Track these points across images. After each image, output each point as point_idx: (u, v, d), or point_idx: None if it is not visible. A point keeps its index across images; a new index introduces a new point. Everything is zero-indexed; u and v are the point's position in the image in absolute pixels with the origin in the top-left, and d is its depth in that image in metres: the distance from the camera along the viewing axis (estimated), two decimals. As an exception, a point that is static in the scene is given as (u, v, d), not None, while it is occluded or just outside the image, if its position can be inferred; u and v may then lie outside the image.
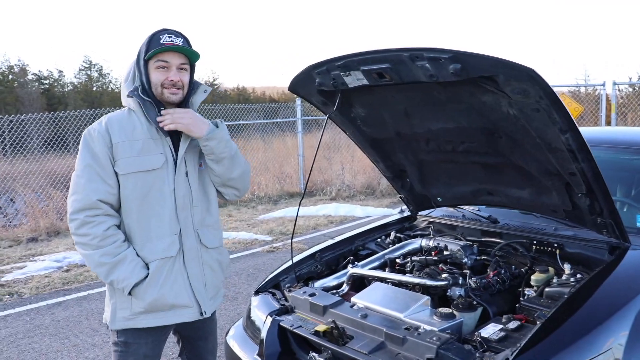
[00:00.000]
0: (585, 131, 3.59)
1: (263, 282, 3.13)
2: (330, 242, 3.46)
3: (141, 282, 2.21)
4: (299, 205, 3.08)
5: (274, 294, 2.97)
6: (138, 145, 2.22)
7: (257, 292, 3.07)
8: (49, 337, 4.67)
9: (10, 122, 9.89)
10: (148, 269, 2.23)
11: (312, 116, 13.96)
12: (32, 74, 32.74)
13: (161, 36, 2.21)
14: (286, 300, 2.86)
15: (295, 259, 3.21)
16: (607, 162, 3.38)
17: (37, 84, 32.61)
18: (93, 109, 10.95)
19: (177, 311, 2.30)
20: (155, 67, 2.23)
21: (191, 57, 2.29)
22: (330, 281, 3.09)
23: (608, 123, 10.80)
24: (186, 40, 2.29)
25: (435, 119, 2.79)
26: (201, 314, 2.36)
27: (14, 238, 8.38)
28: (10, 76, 31.17)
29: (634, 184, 3.52)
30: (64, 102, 30.58)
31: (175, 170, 2.28)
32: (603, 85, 11.15)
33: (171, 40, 2.21)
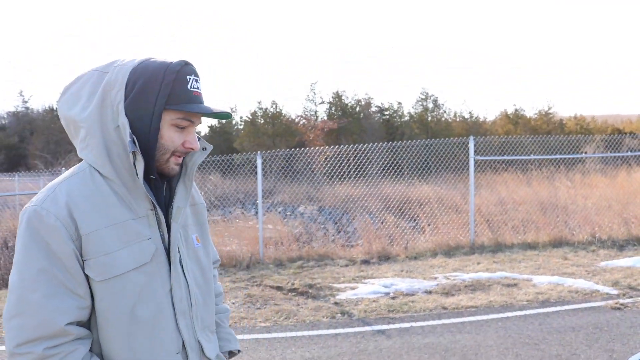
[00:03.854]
0: None
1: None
2: None
3: None
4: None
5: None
6: (121, 232, 1.44)
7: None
8: (372, 366, 4.69)
9: (355, 149, 10.88)
10: None
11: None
12: (375, 106, 35.84)
13: (188, 77, 1.47)
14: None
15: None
16: None
17: (379, 115, 35.58)
18: (428, 139, 11.31)
19: None
20: (173, 123, 1.47)
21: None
22: None
23: None
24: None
25: None
26: None
27: (350, 258, 8.95)
28: (357, 108, 34.62)
29: None
30: (401, 131, 32.73)
31: (170, 260, 1.52)
32: None
33: (198, 89, 1.49)
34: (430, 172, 12.01)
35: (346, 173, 11.33)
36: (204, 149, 1.60)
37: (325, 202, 13.63)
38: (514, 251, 8.98)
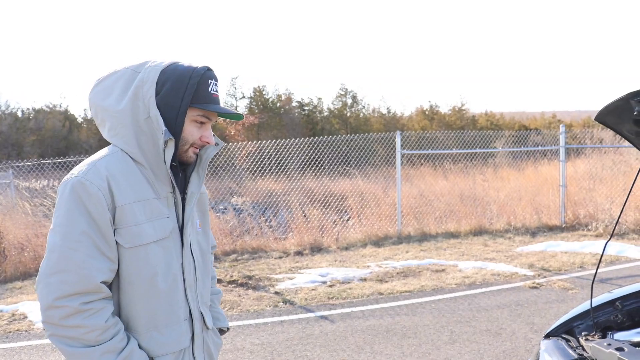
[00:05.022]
0: None
1: (554, 326, 2.90)
2: (632, 289, 3.09)
3: None
4: (609, 238, 2.78)
5: (567, 341, 2.73)
6: (147, 208, 1.68)
7: (547, 336, 2.86)
8: (319, 347, 4.97)
9: (277, 144, 11.06)
10: None
11: (574, 145, 13.01)
12: (295, 101, 36.15)
13: (209, 81, 1.72)
14: (583, 349, 2.61)
15: (594, 304, 2.92)
16: None
17: (299, 110, 35.93)
18: (347, 134, 11.66)
19: None
20: (193, 119, 1.73)
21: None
22: (634, 335, 2.74)
23: None
24: None
25: None
26: None
27: (283, 250, 9.20)
28: (278, 104, 34.82)
29: None
30: (321, 127, 33.25)
31: (182, 238, 1.78)
32: None
33: (217, 92, 1.75)
34: (353, 166, 12.36)
35: (268, 168, 11.50)
36: (216, 144, 1.84)
37: (250, 197, 13.76)
38: (438, 240, 9.56)
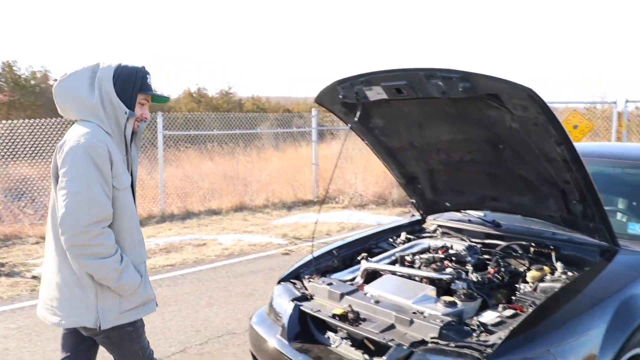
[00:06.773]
0: (586, 145, 3.93)
1: (285, 274, 3.46)
2: (346, 241, 3.78)
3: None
4: (320, 209, 3.38)
5: (294, 284, 3.30)
6: (121, 164, 2.43)
7: (279, 282, 3.40)
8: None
9: (30, 126, 9.96)
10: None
11: (326, 126, 14.35)
12: (53, 80, 33.43)
13: (147, 76, 2.54)
14: (306, 289, 3.19)
15: (315, 254, 3.54)
16: (605, 175, 3.70)
17: (57, 88, 33.28)
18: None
19: (151, 304, 2.59)
20: (139, 102, 2.52)
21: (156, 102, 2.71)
22: (345, 274, 3.42)
23: (619, 139, 11.00)
24: None
25: (445, 131, 3.12)
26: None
27: (42, 235, 8.74)
28: (32, 82, 31.84)
29: (629, 194, 3.81)
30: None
31: (133, 189, 2.57)
32: (615, 103, 11.36)
33: (151, 83, 2.58)
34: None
35: (22, 151, 10.57)
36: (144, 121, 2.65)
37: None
38: (201, 217, 9.93)
